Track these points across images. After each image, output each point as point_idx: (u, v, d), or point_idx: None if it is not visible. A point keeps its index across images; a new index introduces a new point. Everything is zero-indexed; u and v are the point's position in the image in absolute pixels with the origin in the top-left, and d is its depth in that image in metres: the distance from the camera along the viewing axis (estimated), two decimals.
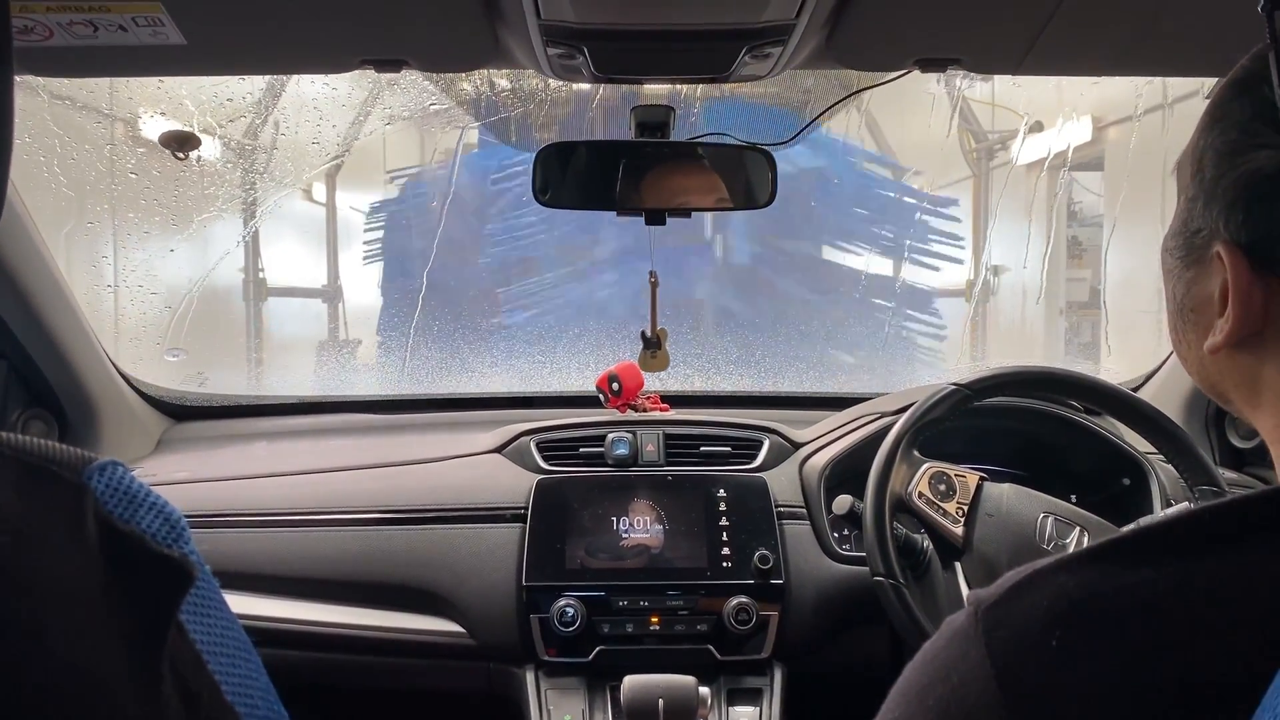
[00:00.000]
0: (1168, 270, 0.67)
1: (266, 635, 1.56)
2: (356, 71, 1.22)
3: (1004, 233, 3.11)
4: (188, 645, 0.50)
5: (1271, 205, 0.57)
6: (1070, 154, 2.96)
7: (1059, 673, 0.52)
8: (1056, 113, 2.86)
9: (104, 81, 2.01)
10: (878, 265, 2.83)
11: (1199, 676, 0.50)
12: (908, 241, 2.89)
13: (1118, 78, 2.68)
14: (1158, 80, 2.61)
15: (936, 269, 2.95)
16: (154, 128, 2.06)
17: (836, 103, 1.54)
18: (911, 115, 2.95)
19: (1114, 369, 2.47)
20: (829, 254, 2.89)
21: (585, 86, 2.23)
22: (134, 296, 2.23)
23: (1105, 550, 0.56)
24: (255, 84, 2.17)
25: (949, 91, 2.87)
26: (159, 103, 2.06)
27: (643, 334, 1.79)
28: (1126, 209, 2.84)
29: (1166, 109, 2.66)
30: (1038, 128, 2.96)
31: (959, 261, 3.00)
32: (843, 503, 1.54)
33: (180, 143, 1.77)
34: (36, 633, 0.44)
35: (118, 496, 0.50)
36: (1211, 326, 0.62)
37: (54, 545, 0.47)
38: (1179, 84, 2.54)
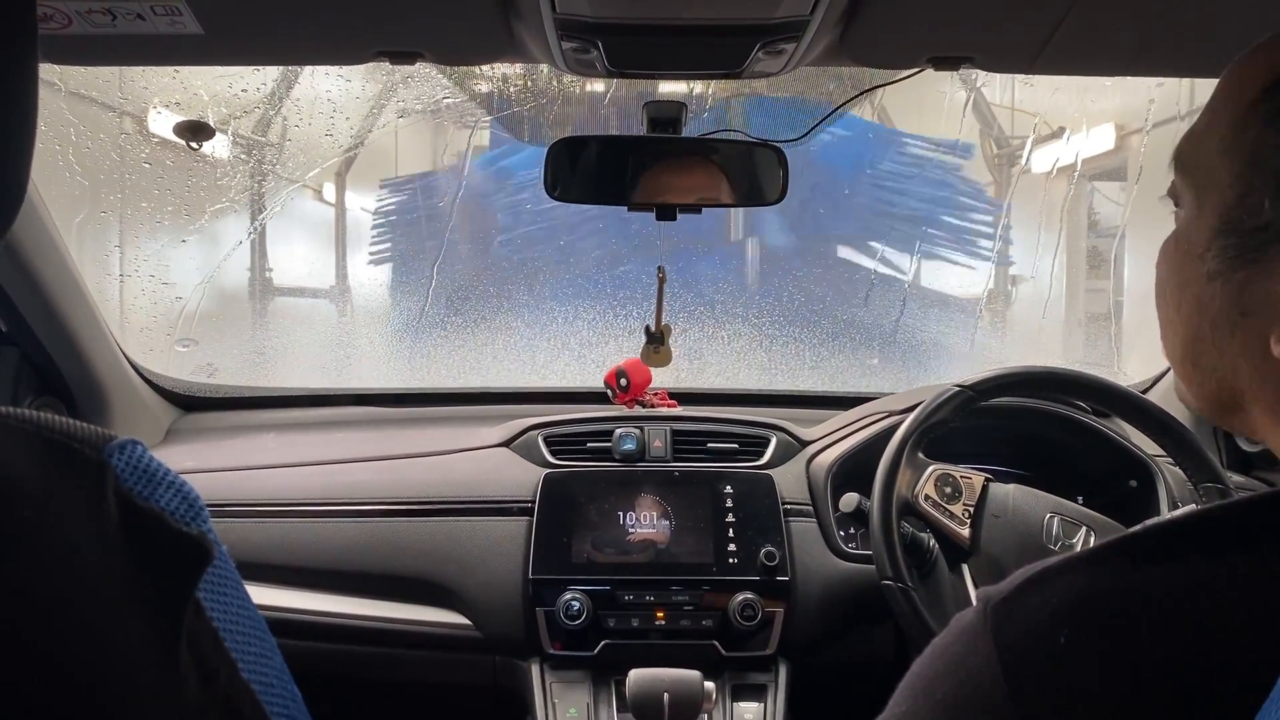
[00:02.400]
0: (1197, 274, 0.61)
1: (272, 625, 1.56)
2: (371, 63, 1.23)
3: (1029, 241, 3.09)
4: (205, 623, 0.51)
5: None
6: (1084, 162, 2.94)
7: (1067, 669, 0.52)
8: (1080, 119, 2.84)
9: (120, 71, 2.01)
10: (894, 266, 2.82)
11: (1206, 675, 0.50)
12: (927, 244, 2.87)
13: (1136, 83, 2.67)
14: (1169, 88, 2.60)
15: (956, 273, 2.93)
16: (168, 118, 2.06)
17: (849, 100, 1.54)
18: (931, 117, 2.94)
19: (1130, 372, 2.46)
20: (847, 253, 2.87)
21: (599, 84, 2.23)
22: (145, 286, 2.24)
23: (1115, 549, 0.56)
24: (269, 75, 2.18)
25: (965, 86, 2.86)
26: (173, 93, 2.07)
27: (646, 328, 1.79)
28: (1138, 214, 2.83)
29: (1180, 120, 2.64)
30: (1059, 133, 2.95)
31: (977, 266, 2.97)
32: (849, 501, 1.54)
33: (194, 132, 1.77)
34: (57, 604, 0.44)
35: (137, 474, 0.51)
36: (1273, 329, 0.56)
37: (75, 520, 0.47)
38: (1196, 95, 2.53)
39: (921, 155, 3.01)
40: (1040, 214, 2.98)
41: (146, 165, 2.13)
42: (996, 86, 3.02)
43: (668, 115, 1.42)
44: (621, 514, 1.64)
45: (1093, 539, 1.45)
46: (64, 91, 1.95)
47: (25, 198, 0.54)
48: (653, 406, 1.90)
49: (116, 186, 2.14)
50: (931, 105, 2.89)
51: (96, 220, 2.14)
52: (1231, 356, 0.59)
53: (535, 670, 1.57)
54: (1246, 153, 0.57)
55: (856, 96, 1.54)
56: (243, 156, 2.25)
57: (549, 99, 2.27)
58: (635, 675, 1.44)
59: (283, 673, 0.56)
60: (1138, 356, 2.57)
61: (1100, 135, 2.97)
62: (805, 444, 1.78)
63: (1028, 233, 3.03)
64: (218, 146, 2.21)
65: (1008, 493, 1.50)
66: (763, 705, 1.55)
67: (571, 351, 2.43)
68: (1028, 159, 3.08)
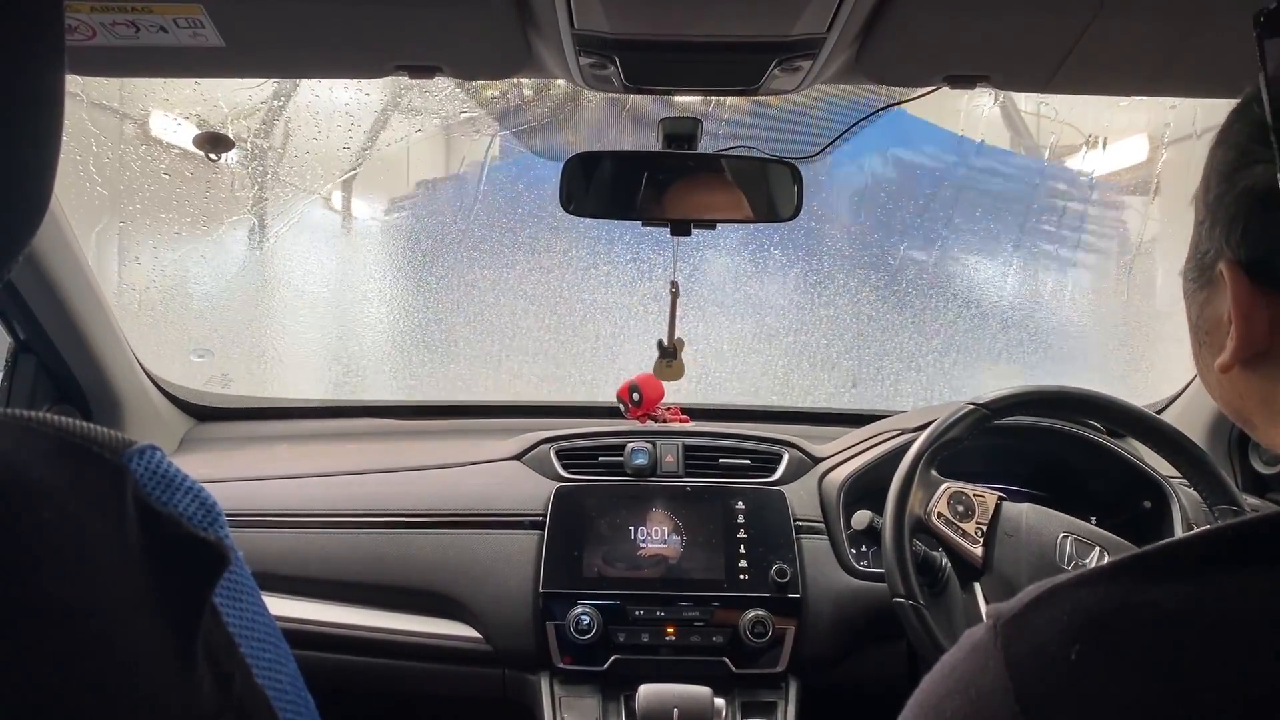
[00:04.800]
0: (1186, 293, 0.68)
1: (284, 635, 1.57)
2: (390, 77, 1.24)
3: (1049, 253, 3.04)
4: (221, 628, 0.51)
5: (1267, 221, 0.58)
6: (1112, 175, 2.91)
7: (1078, 687, 0.52)
8: (1104, 131, 2.81)
9: (140, 82, 2.03)
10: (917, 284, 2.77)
11: (1217, 693, 0.49)
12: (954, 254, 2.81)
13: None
14: (1186, 107, 2.58)
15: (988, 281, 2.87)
16: (187, 130, 2.08)
17: (865, 118, 1.54)
18: (951, 122, 2.90)
19: (1145, 391, 2.43)
20: (862, 267, 2.83)
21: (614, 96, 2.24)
22: (162, 296, 2.25)
23: (1127, 566, 0.56)
24: (286, 87, 2.19)
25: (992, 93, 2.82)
26: (194, 105, 2.09)
27: (659, 343, 1.79)
28: (1155, 232, 2.81)
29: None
30: (1092, 144, 2.92)
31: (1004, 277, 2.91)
32: (862, 518, 1.54)
33: (213, 144, 1.79)
34: (76, 606, 0.44)
35: (155, 479, 0.51)
36: (1224, 346, 0.62)
37: (94, 524, 0.48)
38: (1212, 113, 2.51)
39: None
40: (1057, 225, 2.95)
41: (165, 176, 2.15)
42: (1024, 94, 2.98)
43: (683, 131, 1.43)
44: (633, 529, 1.64)
45: (1105, 559, 1.44)
46: (86, 102, 1.97)
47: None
48: (665, 421, 1.90)
49: (136, 197, 2.16)
50: (951, 112, 2.86)
51: (115, 230, 2.16)
52: (1213, 369, 0.65)
53: (545, 684, 1.57)
54: (1205, 183, 0.63)
55: (874, 113, 1.55)
56: (259, 168, 2.27)
57: (566, 113, 2.28)
58: (645, 691, 1.44)
59: (296, 679, 0.57)
60: (1154, 376, 2.56)
61: (1129, 148, 2.93)
62: (818, 460, 1.78)
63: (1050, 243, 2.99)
64: (235, 158, 2.23)
65: (1021, 512, 1.49)
66: None
67: (584, 365, 2.43)
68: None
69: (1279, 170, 0.55)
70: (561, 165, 1.46)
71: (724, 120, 2.19)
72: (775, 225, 2.29)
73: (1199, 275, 0.65)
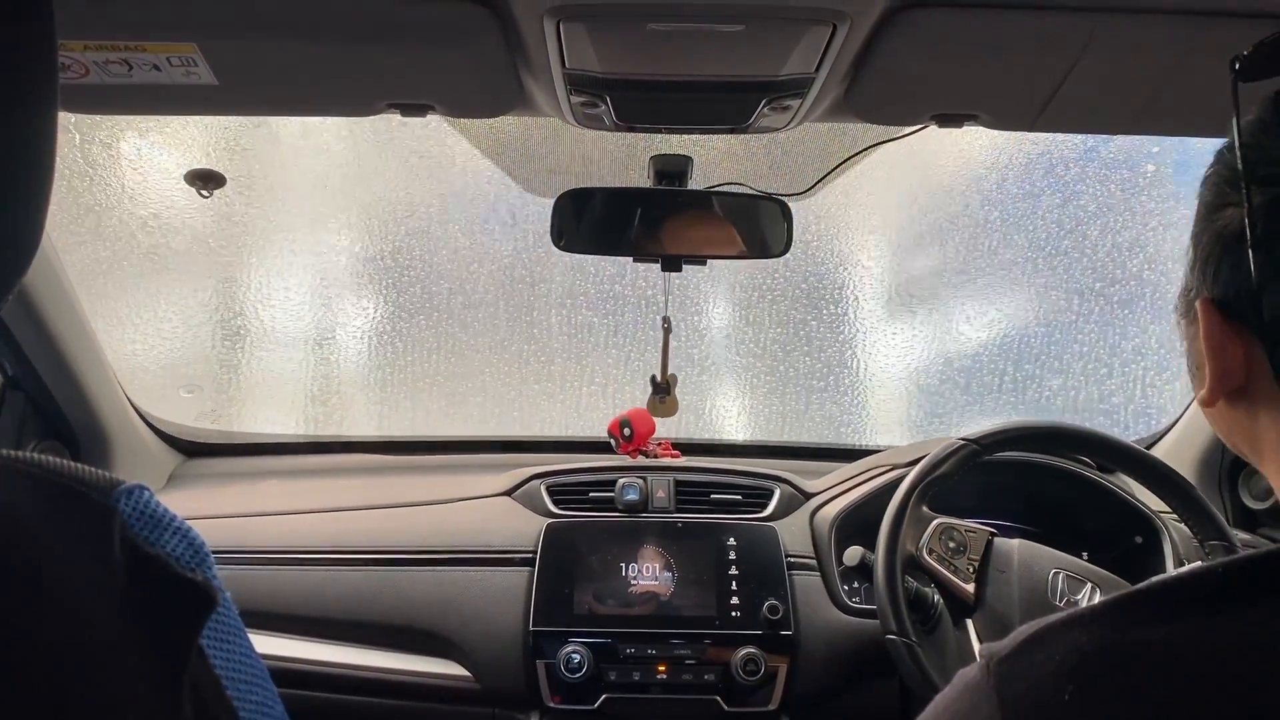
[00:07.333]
0: (1178, 328, 0.70)
1: (271, 674, 1.55)
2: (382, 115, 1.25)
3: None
4: (208, 670, 0.51)
5: (1237, 260, 0.60)
6: None
7: None
8: None
9: (136, 120, 2.04)
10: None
11: None
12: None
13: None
14: None
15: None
16: (179, 164, 2.08)
17: (853, 155, 1.55)
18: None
19: (1137, 426, 2.43)
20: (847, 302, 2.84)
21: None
22: (152, 332, 2.25)
23: (1119, 605, 0.56)
24: (277, 125, 2.20)
25: None
26: (185, 138, 2.09)
27: (652, 379, 1.79)
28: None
29: None
30: None
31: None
32: (853, 554, 1.53)
33: (205, 180, 1.79)
34: (60, 648, 0.44)
35: (143, 519, 0.51)
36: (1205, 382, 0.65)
37: (81, 565, 0.47)
38: None
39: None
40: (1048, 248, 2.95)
41: (155, 213, 2.15)
42: None
43: (674, 168, 1.44)
44: (624, 565, 1.63)
45: (1098, 595, 1.44)
46: (78, 138, 1.97)
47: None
48: (656, 457, 1.89)
49: (125, 232, 2.16)
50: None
51: (106, 266, 2.16)
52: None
53: None
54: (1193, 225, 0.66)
55: (861, 151, 1.56)
56: (246, 203, 2.27)
57: (559, 150, 2.30)
58: None
59: None
60: (1148, 410, 2.56)
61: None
62: (809, 496, 1.78)
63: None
64: (227, 193, 2.23)
65: (1012, 548, 1.49)
66: None
67: (575, 401, 2.43)
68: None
69: (1247, 214, 0.58)
70: (552, 202, 1.47)
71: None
72: (768, 260, 2.30)
73: (1186, 311, 0.67)
